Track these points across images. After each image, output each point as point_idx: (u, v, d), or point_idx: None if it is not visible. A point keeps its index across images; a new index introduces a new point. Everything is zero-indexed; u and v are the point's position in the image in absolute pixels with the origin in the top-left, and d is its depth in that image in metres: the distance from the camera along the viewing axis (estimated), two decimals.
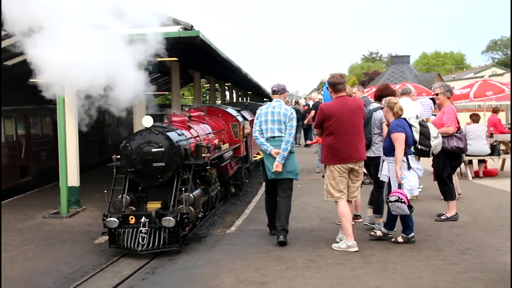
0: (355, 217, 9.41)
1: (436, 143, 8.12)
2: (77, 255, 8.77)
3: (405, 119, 8.11)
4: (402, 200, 7.74)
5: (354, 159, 7.89)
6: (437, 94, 9.67)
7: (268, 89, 52.02)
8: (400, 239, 8.19)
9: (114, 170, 9.23)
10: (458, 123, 9.64)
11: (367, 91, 22.71)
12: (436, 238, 8.36)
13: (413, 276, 6.73)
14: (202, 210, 9.70)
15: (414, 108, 10.39)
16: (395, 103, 8.15)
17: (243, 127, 13.69)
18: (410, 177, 7.92)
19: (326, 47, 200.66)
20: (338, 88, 7.92)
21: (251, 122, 15.49)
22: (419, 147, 8.06)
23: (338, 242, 8.12)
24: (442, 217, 9.56)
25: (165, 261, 8.15)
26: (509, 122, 21.60)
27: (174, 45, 11.85)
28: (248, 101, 38.39)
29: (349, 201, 8.11)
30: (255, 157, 9.30)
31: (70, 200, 11.73)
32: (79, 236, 9.88)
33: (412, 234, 8.19)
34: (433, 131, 8.14)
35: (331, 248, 8.08)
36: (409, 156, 7.95)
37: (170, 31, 11.15)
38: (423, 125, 8.13)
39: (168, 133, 9.04)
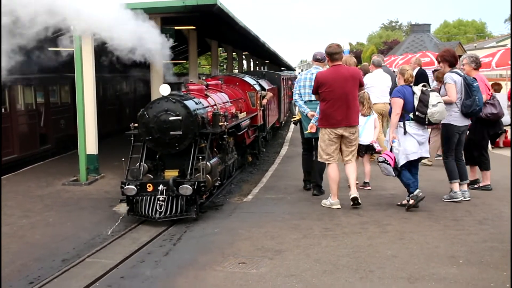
0: (364, 184, 9.91)
1: (433, 110, 7.99)
2: (96, 221, 8.90)
3: (410, 86, 8.27)
4: (388, 162, 8.12)
5: (343, 125, 8.26)
6: (463, 65, 9.43)
7: (285, 58, 51.79)
8: (409, 201, 8.30)
9: (132, 138, 9.26)
10: (489, 89, 9.51)
11: (386, 60, 22.50)
12: (453, 208, 8.31)
13: (429, 246, 6.71)
14: (219, 178, 9.74)
15: (384, 80, 11.66)
16: (407, 70, 8.38)
17: (261, 96, 13.62)
18: (406, 142, 8.15)
19: (344, 16, 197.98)
20: (334, 58, 8.33)
21: (270, 90, 15.46)
22: (416, 113, 8.11)
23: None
24: (475, 185, 9.54)
25: (183, 228, 8.22)
26: None
27: (192, 13, 11.81)
28: (266, 70, 38.22)
29: (351, 163, 8.56)
30: (294, 117, 9.97)
31: (89, 167, 11.85)
32: (98, 203, 10.01)
33: (417, 191, 8.23)
34: (433, 99, 8.03)
35: (348, 217, 8.10)
36: (406, 122, 8.16)
37: None
38: (424, 93, 8.11)
39: (185, 102, 9.03)
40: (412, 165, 8.45)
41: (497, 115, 9.26)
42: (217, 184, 9.74)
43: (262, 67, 44.99)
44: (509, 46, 26.62)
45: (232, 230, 7.82)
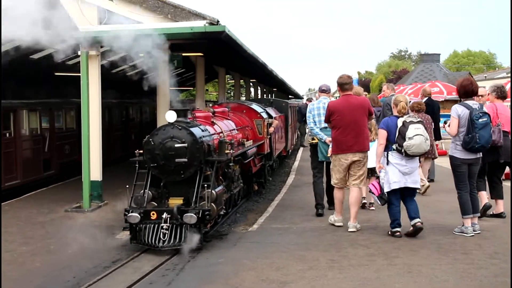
0: (370, 204, 10.57)
1: (408, 143, 8.09)
2: (98, 249, 8.72)
3: (397, 117, 8.42)
4: (372, 192, 8.59)
5: (353, 150, 8.79)
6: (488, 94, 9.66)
7: (293, 86, 51.91)
8: (394, 232, 8.51)
9: (137, 165, 9.15)
10: (498, 118, 9.19)
11: (396, 89, 22.42)
12: (463, 241, 8.11)
13: (438, 280, 6.53)
14: (224, 207, 9.59)
15: None
16: (400, 101, 8.52)
17: (268, 124, 13.53)
18: (389, 172, 8.37)
19: (352, 44, 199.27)
20: (345, 88, 8.95)
21: (277, 118, 15.39)
22: (395, 145, 8.28)
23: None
24: (487, 212, 9.49)
25: (186, 258, 8.05)
26: None
27: (199, 40, 11.80)
28: (273, 97, 38.26)
29: (358, 188, 8.96)
30: (312, 140, 10.35)
31: (92, 194, 11.73)
32: (100, 231, 9.83)
33: (396, 229, 8.47)
34: (411, 132, 8.10)
35: (355, 248, 7.93)
36: (389, 152, 8.35)
37: (195, 26, 11.06)
38: (404, 125, 8.21)
39: (191, 129, 8.94)
40: (406, 195, 8.52)
41: (493, 142, 8.63)
42: (222, 212, 9.59)
43: (269, 95, 45.08)
44: None
45: (237, 260, 7.66)
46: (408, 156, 8.23)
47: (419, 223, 8.30)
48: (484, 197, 9.53)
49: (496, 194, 9.61)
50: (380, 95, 12.88)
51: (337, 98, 9.70)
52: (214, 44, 14.00)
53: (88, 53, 11.64)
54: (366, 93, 19.04)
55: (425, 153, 8.87)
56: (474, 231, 8.41)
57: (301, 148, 24.08)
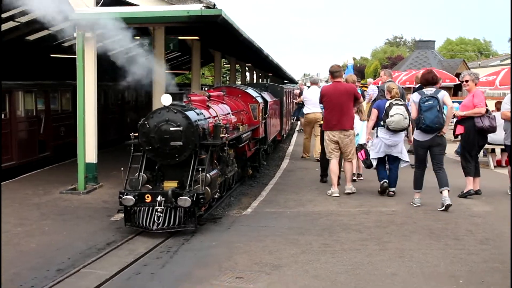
0: (358, 175, 11.94)
1: (389, 120, 9.97)
2: (92, 231, 8.77)
3: (387, 99, 10.31)
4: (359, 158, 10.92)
5: (337, 128, 10.34)
6: (466, 81, 10.34)
7: (289, 71, 51.77)
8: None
9: (132, 148, 9.17)
10: (486, 105, 10.35)
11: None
12: (455, 227, 8.21)
13: (429, 264, 6.63)
14: (218, 191, 9.63)
15: (317, 94, 12.29)
16: (393, 88, 10.44)
17: (263, 108, 13.54)
18: (376, 143, 10.41)
19: (348, 30, 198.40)
20: (335, 75, 10.58)
21: (272, 102, 15.40)
22: (382, 121, 10.16)
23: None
24: (461, 192, 10.27)
25: (180, 240, 8.11)
26: None
27: (196, 23, 11.76)
28: (269, 82, 38.21)
29: (350, 161, 10.60)
30: (321, 121, 11.57)
31: (87, 176, 11.73)
32: (95, 213, 9.88)
33: (383, 181, 10.41)
34: (393, 111, 9.94)
35: (348, 233, 8.02)
36: (378, 128, 10.34)
37: (192, 9, 11.00)
38: (390, 106, 10.04)
39: (186, 112, 8.94)
40: (391, 163, 10.46)
41: (494, 128, 10.23)
42: (216, 196, 9.63)
43: (265, 79, 45.02)
44: None
45: (230, 244, 7.73)
46: (391, 131, 10.05)
47: (391, 192, 10.36)
48: (470, 182, 10.25)
49: (469, 173, 10.34)
50: (376, 81, 13.24)
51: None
52: (210, 28, 13.96)
53: (84, 35, 11.57)
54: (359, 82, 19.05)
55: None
56: (444, 204, 9.15)
57: (296, 133, 24.11)
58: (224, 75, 48.18)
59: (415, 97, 9.38)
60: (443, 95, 9.26)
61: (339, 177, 10.78)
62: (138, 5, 11.46)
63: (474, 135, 10.14)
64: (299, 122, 25.55)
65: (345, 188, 10.59)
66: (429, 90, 9.29)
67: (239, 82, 36.92)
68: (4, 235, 8.41)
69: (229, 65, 33.42)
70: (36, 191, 11.66)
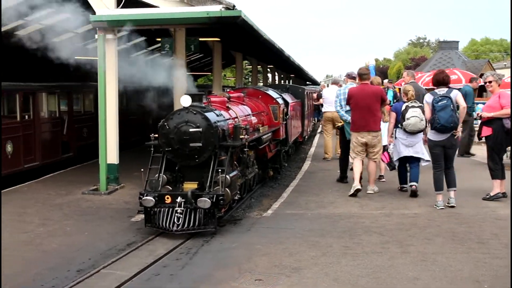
0: (380, 177, 11.91)
1: (405, 123, 10.16)
2: (113, 232, 8.79)
3: (403, 102, 10.45)
4: (383, 160, 11.10)
5: (365, 129, 10.42)
6: (490, 82, 10.14)
7: (311, 73, 51.68)
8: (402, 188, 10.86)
9: (152, 149, 9.19)
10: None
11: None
12: (479, 230, 8.06)
13: (453, 269, 6.50)
14: (238, 192, 9.60)
15: (334, 93, 12.40)
16: (409, 91, 10.48)
17: (284, 109, 13.47)
18: (396, 145, 10.61)
19: (371, 31, 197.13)
20: (363, 78, 10.79)
21: (293, 104, 15.35)
22: (399, 124, 10.38)
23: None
24: (487, 195, 10.05)
25: (200, 242, 8.08)
26: None
27: (215, 24, 11.75)
28: (291, 83, 38.13)
29: (374, 161, 10.74)
30: (338, 124, 11.74)
31: (109, 177, 11.79)
32: (116, 214, 9.92)
33: (403, 185, 10.88)
34: (409, 114, 10.12)
35: (369, 235, 7.92)
36: (396, 129, 10.55)
37: (211, 11, 11.00)
38: (406, 109, 10.19)
39: (206, 113, 8.93)
40: (410, 163, 10.62)
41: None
42: (236, 198, 9.60)
43: (287, 81, 44.95)
44: None
45: (250, 245, 7.69)
46: (408, 132, 10.22)
47: (414, 186, 10.28)
48: (498, 185, 9.99)
49: (497, 175, 10.09)
50: (399, 82, 13.23)
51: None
52: (230, 29, 13.96)
53: (105, 36, 11.64)
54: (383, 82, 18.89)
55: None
56: (448, 204, 9.43)
57: (318, 135, 23.99)
58: (246, 77, 48.23)
59: (428, 97, 9.45)
60: (456, 95, 9.28)
61: (361, 178, 10.74)
62: (158, 7, 11.49)
63: (502, 137, 9.91)
64: (320, 124, 25.55)
65: (367, 189, 10.68)
66: (441, 90, 9.32)
67: (261, 84, 36.90)
68: (27, 235, 8.52)
69: (251, 66, 33.41)
70: (59, 192, 11.76)
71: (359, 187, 10.42)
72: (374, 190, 10.69)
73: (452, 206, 9.35)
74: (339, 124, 11.87)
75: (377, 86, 11.24)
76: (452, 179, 9.51)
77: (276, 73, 41.06)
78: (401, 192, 10.79)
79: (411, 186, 10.35)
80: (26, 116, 14.02)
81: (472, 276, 6.26)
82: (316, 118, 25.56)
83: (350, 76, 12.36)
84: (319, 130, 25.07)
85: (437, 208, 9.38)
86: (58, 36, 18.55)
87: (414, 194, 10.27)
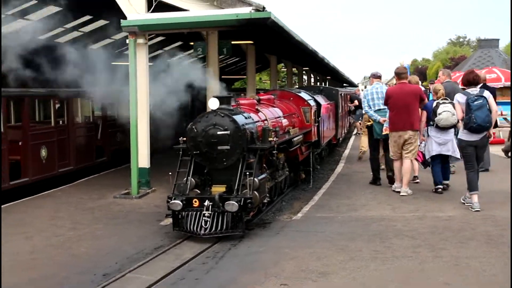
0: (414, 178, 11.61)
1: (438, 118, 10.21)
2: (142, 235, 8.80)
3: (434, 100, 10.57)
4: (417, 159, 10.99)
5: (404, 129, 10.38)
6: None
7: (347, 74, 51.21)
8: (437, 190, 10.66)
9: (180, 152, 9.17)
10: None
11: (452, 75, 21.74)
12: None
13: (486, 274, 6.27)
14: (267, 195, 9.49)
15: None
16: (439, 90, 10.62)
17: (316, 111, 13.31)
18: (428, 143, 10.68)
19: (410, 30, 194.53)
20: (401, 77, 10.84)
21: (326, 105, 15.17)
22: (431, 121, 10.47)
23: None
24: None
25: (228, 245, 8.01)
26: None
27: (245, 26, 11.70)
28: (327, 86, 37.81)
29: (408, 160, 10.53)
30: (367, 123, 11.85)
31: (140, 181, 11.84)
32: (146, 217, 9.94)
33: (439, 187, 10.66)
34: (440, 109, 10.13)
35: (400, 239, 7.72)
36: (428, 127, 10.62)
37: (241, 13, 10.94)
38: (437, 105, 10.26)
39: (234, 116, 8.86)
40: (443, 161, 10.71)
41: None
42: (265, 201, 9.50)
43: (323, 83, 44.61)
44: None
45: (278, 249, 7.58)
46: (440, 129, 10.29)
47: (439, 189, 10.58)
48: None
49: None
50: (436, 81, 12.98)
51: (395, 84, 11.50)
52: (262, 31, 13.90)
53: (136, 41, 11.71)
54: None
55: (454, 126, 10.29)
56: (474, 208, 9.18)
57: (353, 137, 23.70)
58: (283, 80, 48.06)
59: (460, 97, 9.30)
60: (489, 96, 9.14)
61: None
62: (188, 10, 11.49)
63: None
64: (355, 126, 25.25)
65: (401, 191, 10.59)
66: (474, 90, 9.21)
67: (296, 86, 36.71)
68: (57, 239, 8.61)
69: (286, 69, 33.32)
70: (91, 196, 11.88)
71: (404, 193, 10.54)
72: (407, 193, 10.51)
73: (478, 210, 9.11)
74: (369, 123, 11.88)
75: (415, 85, 11.19)
76: (476, 182, 9.32)
77: (312, 76, 40.82)
78: (435, 194, 10.54)
79: (443, 183, 10.63)
80: (60, 121, 14.22)
81: (507, 281, 5.99)
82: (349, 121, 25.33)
83: (375, 76, 12.23)
84: (354, 132, 24.79)
85: (473, 210, 9.12)
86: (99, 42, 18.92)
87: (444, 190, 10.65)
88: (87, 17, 17.72)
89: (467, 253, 7.00)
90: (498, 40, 35.46)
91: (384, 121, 11.12)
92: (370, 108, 11.59)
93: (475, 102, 8.96)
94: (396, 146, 10.55)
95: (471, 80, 9.37)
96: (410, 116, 10.38)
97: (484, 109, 8.93)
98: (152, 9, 11.64)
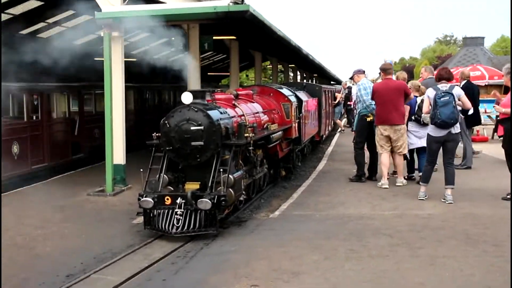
0: (394, 173, 11.52)
1: (424, 115, 10.21)
2: (112, 234, 8.51)
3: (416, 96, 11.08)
4: None
5: (388, 123, 10.59)
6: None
7: (335, 72, 51.04)
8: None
9: (153, 148, 8.88)
10: None
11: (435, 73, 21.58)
12: (495, 232, 7.54)
13: (463, 273, 6.03)
14: (244, 193, 9.21)
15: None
16: (419, 86, 11.43)
17: (297, 107, 13.05)
18: (409, 136, 11.09)
19: (398, 29, 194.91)
20: (387, 72, 11.03)
21: (309, 102, 14.93)
22: (414, 116, 10.96)
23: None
24: (506, 195, 9.37)
25: (200, 245, 7.74)
26: None
27: (224, 19, 11.43)
28: (313, 83, 37.60)
29: (400, 155, 10.83)
30: (368, 116, 11.38)
31: (115, 178, 11.52)
32: (118, 215, 9.65)
33: (412, 175, 11.46)
34: (425, 106, 9.65)
35: (377, 238, 7.47)
36: (409, 122, 11.02)
37: (219, 5, 10.67)
38: (422, 102, 10.27)
39: (208, 111, 8.58)
40: (419, 153, 11.20)
41: None
42: (241, 198, 9.23)
43: (310, 80, 44.40)
44: None
45: (251, 248, 7.32)
46: (422, 124, 10.69)
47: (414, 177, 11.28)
48: None
49: None
50: (420, 79, 12.89)
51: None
52: (243, 26, 13.63)
53: (110, 34, 11.39)
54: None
55: None
56: (447, 200, 9.27)
57: (337, 134, 23.44)
58: (270, 78, 47.80)
59: (429, 92, 9.38)
60: (459, 94, 9.26)
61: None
62: (165, 3, 11.18)
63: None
64: (341, 123, 25.06)
65: (396, 181, 10.87)
66: (444, 86, 9.26)
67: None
68: (22, 238, 8.30)
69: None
70: (64, 193, 11.53)
71: (387, 186, 10.67)
72: (402, 183, 10.81)
73: (450, 203, 9.19)
74: (370, 118, 11.40)
75: (401, 81, 11.39)
76: (450, 176, 9.37)
77: (298, 73, 40.59)
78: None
79: (419, 175, 10.72)
80: (34, 117, 13.85)
81: (483, 281, 5.79)
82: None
83: (361, 72, 12.13)
84: (339, 130, 24.55)
85: (418, 198, 9.57)
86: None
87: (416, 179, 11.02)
88: (70, 12, 17.32)
89: (445, 252, 6.77)
90: (483, 38, 35.50)
91: None
92: (371, 100, 11.25)
93: (442, 99, 9.06)
94: (383, 139, 10.69)
95: (443, 75, 9.52)
96: (394, 111, 10.54)
97: (450, 106, 9.00)
98: (127, 1, 11.32)
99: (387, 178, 10.80)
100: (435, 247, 6.98)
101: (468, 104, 9.48)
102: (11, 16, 16.37)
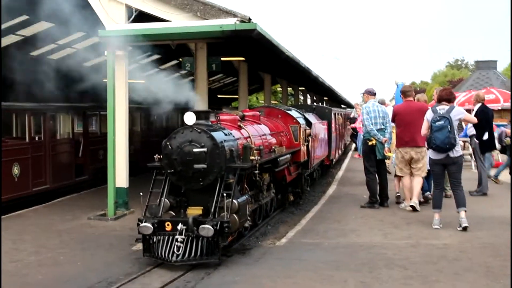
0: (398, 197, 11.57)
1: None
2: (109, 262, 8.05)
3: None
4: None
5: (410, 145, 10.54)
6: None
7: (343, 94, 50.62)
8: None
9: (154, 171, 8.48)
10: None
11: None
12: None
13: None
14: (249, 219, 8.76)
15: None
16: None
17: (305, 130, 12.63)
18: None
19: (409, 53, 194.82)
20: (407, 95, 11.02)
21: (318, 125, 14.51)
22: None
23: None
24: None
25: (201, 274, 7.28)
26: None
27: (230, 38, 11.10)
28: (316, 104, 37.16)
29: (419, 177, 10.59)
30: (371, 140, 11.18)
31: (117, 201, 11.12)
32: (118, 241, 9.20)
33: (426, 193, 11.21)
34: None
35: (390, 269, 6.99)
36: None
37: (225, 24, 10.33)
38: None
39: (212, 132, 8.17)
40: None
41: None
42: (247, 225, 8.77)
43: (320, 103, 44.02)
44: None
45: (255, 279, 6.88)
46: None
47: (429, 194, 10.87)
48: None
49: None
50: (432, 103, 12.46)
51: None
52: (250, 45, 13.29)
53: (114, 53, 11.08)
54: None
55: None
56: (462, 223, 8.93)
57: (348, 158, 22.96)
58: (280, 100, 47.51)
59: (428, 114, 9.29)
60: (459, 115, 9.08)
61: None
62: (170, 21, 10.87)
63: None
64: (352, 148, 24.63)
65: (411, 202, 10.62)
66: (442, 109, 9.09)
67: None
68: (14, 265, 7.86)
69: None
70: (64, 217, 11.14)
71: (413, 203, 10.51)
72: (416, 204, 10.54)
73: (466, 227, 8.86)
74: (371, 142, 11.23)
75: (422, 102, 11.31)
76: (461, 199, 9.13)
77: (309, 96, 40.24)
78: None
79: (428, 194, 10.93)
80: (36, 137, 13.52)
81: None
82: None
83: (371, 93, 11.81)
84: (351, 153, 24.08)
85: (433, 227, 9.17)
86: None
87: (427, 201, 11.01)
88: (80, 34, 17.11)
89: (463, 286, 6.29)
90: (496, 61, 34.98)
91: (385, 141, 11.22)
92: (372, 126, 11.25)
93: (437, 123, 8.95)
94: (403, 162, 10.67)
95: (443, 96, 9.26)
96: (417, 132, 10.20)
97: (444, 131, 8.84)
98: (132, 19, 11.03)
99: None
100: (452, 281, 6.52)
101: (472, 119, 9.74)
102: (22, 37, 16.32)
